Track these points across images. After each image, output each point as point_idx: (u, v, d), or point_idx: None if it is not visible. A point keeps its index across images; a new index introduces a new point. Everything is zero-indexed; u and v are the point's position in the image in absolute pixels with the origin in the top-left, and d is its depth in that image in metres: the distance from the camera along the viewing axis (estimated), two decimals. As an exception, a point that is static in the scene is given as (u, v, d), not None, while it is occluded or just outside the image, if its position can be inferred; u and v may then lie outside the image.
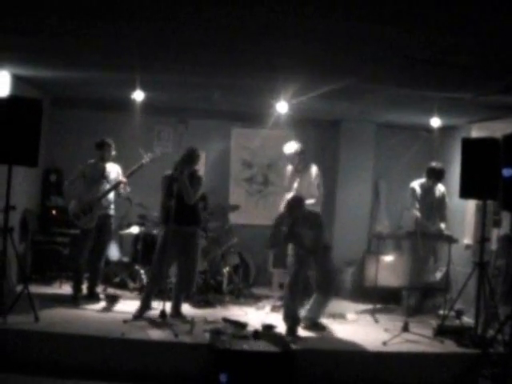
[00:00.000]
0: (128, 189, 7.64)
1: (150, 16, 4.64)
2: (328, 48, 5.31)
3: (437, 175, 7.93)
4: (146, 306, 6.98)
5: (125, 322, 6.58)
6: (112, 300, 7.65)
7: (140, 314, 6.85)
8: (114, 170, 7.76)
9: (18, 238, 7.72)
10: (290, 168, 8.22)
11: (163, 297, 6.75)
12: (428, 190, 8.01)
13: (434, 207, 8.02)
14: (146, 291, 7.12)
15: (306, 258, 6.82)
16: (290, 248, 6.94)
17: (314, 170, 8.01)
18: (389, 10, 4.15)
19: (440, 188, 8.10)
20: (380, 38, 4.84)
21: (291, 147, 8.06)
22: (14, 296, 6.39)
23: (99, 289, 7.84)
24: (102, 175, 7.65)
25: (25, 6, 4.57)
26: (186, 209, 6.86)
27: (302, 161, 8.00)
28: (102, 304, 7.46)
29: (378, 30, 4.63)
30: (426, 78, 6.25)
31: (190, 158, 7.10)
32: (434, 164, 8.00)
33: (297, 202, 6.87)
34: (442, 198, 8.11)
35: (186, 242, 6.98)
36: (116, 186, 7.60)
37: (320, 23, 4.52)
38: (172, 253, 6.90)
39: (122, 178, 7.62)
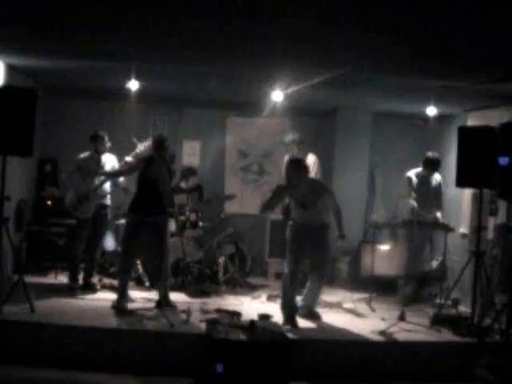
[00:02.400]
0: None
1: (145, 4, 4.60)
2: (325, 36, 5.27)
3: (433, 165, 7.93)
4: (124, 296, 6.84)
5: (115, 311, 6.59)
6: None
7: (119, 305, 6.70)
8: (109, 160, 7.75)
9: (13, 228, 7.68)
10: (287, 158, 8.17)
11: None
12: (424, 179, 8.00)
13: (430, 196, 8.01)
14: (121, 283, 6.89)
15: (305, 245, 6.80)
16: (288, 234, 6.92)
17: (311, 158, 7.97)
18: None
19: (436, 177, 8.10)
20: (377, 25, 4.80)
21: (290, 136, 8.07)
22: (10, 286, 6.36)
23: (95, 279, 7.83)
24: (98, 165, 7.65)
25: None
26: (154, 198, 6.76)
27: (300, 151, 7.96)
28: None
29: (376, 17, 4.59)
30: (423, 67, 6.23)
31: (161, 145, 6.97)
32: (430, 154, 7.98)
33: (298, 163, 6.77)
34: (438, 188, 8.11)
35: (158, 231, 6.83)
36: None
37: (317, 9, 4.48)
38: (142, 242, 6.82)
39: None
